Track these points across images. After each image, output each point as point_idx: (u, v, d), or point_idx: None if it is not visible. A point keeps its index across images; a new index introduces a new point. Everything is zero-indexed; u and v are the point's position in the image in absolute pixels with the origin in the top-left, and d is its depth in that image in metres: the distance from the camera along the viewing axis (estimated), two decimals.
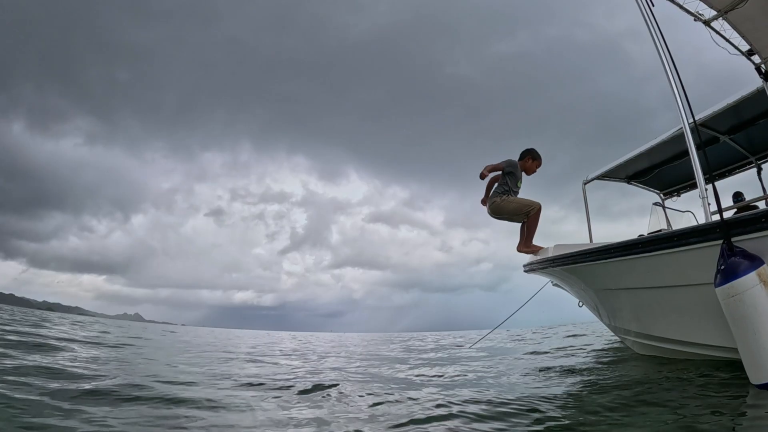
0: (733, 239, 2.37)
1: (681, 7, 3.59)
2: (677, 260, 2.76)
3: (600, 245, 3.40)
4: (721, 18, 3.71)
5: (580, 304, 5.15)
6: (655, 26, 2.83)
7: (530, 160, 4.38)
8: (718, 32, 3.81)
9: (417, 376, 4.03)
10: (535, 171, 4.42)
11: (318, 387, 3.04)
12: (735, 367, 2.71)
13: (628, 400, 2.37)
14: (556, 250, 4.10)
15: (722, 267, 2.34)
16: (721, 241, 2.40)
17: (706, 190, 2.67)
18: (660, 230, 4.77)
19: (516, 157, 4.35)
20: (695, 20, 3.73)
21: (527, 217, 4.31)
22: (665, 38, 2.76)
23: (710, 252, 2.47)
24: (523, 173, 4.37)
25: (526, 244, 4.52)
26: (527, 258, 4.84)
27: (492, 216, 4.39)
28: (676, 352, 3.40)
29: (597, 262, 3.43)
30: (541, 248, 4.45)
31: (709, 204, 2.68)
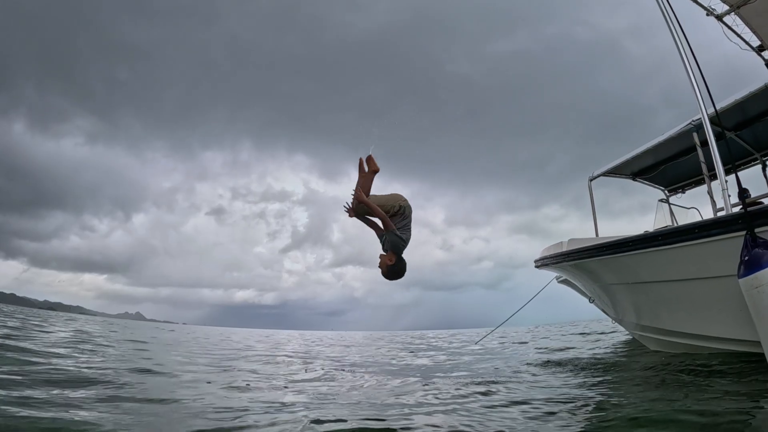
0: (756, 230, 2.37)
1: (695, 1, 3.59)
2: (699, 252, 2.76)
3: (618, 238, 3.36)
4: (733, 13, 3.73)
5: (591, 300, 5.13)
6: (673, 18, 2.83)
7: None
8: (729, 27, 3.82)
9: (417, 376, 3.96)
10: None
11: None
12: (753, 359, 2.71)
13: (639, 397, 2.36)
14: (571, 244, 4.07)
15: (746, 258, 2.35)
16: (744, 232, 2.40)
17: (726, 181, 2.67)
18: (665, 227, 4.77)
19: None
20: (708, 15, 3.74)
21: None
22: (684, 30, 2.76)
23: (733, 243, 2.47)
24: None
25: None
26: (535, 256, 4.82)
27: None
28: (694, 347, 3.38)
29: (614, 255, 3.40)
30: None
31: (729, 196, 2.68)
